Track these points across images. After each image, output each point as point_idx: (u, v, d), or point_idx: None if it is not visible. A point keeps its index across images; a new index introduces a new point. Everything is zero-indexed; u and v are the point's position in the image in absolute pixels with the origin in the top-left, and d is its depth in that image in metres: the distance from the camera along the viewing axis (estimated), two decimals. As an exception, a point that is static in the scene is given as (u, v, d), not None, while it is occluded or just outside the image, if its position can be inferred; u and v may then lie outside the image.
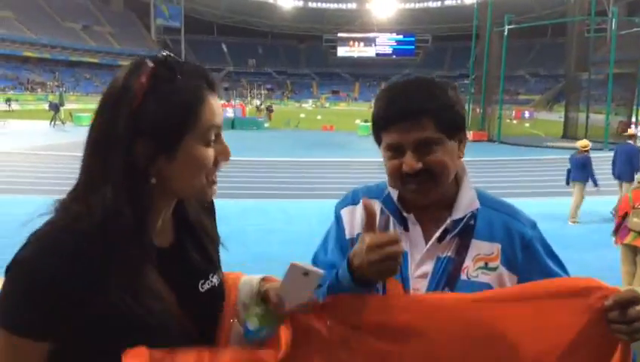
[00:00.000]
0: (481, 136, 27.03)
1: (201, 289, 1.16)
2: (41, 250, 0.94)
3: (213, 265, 1.22)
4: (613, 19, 24.74)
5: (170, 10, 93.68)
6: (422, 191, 1.27)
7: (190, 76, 1.05)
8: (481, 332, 1.11)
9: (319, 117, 44.34)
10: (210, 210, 1.28)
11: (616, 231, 6.14)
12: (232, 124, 31.12)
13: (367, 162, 14.68)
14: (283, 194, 11.63)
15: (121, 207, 0.98)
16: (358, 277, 1.15)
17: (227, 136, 1.12)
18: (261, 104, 50.88)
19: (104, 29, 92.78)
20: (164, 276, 1.07)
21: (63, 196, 1.04)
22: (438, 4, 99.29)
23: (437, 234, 1.28)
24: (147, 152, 1.01)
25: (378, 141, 1.33)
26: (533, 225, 1.35)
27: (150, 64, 1.02)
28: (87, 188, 1.01)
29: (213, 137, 1.08)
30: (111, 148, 0.99)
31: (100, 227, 0.96)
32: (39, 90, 70.54)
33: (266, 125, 34.79)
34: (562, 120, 31.00)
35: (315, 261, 1.43)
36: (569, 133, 28.69)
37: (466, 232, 1.29)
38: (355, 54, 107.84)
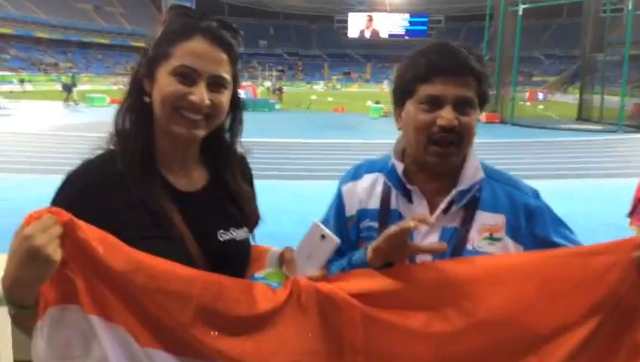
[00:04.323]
0: (493, 118, 26.78)
1: (219, 238, 1.24)
2: (75, 170, 1.18)
3: (236, 220, 1.29)
4: (630, -1, 24.08)
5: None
6: (445, 154, 1.25)
7: (195, 19, 1.14)
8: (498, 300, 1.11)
9: (330, 98, 44.11)
10: (246, 174, 1.40)
11: (632, 213, 6.21)
12: (244, 105, 31.01)
13: (379, 144, 14.63)
14: (294, 176, 11.68)
15: (133, 128, 1.16)
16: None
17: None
18: (273, 86, 50.77)
19: (115, 10, 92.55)
20: (184, 217, 1.17)
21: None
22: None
23: (443, 206, 1.28)
24: (143, 71, 1.16)
25: (404, 97, 1.29)
26: (536, 195, 1.34)
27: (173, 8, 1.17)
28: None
29: (186, 74, 1.12)
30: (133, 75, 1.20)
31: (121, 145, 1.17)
32: (52, 71, 70.85)
33: (278, 107, 34.73)
34: (577, 102, 30.59)
35: None
36: (583, 115, 28.32)
37: (471, 203, 1.29)
38: (367, 35, 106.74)
